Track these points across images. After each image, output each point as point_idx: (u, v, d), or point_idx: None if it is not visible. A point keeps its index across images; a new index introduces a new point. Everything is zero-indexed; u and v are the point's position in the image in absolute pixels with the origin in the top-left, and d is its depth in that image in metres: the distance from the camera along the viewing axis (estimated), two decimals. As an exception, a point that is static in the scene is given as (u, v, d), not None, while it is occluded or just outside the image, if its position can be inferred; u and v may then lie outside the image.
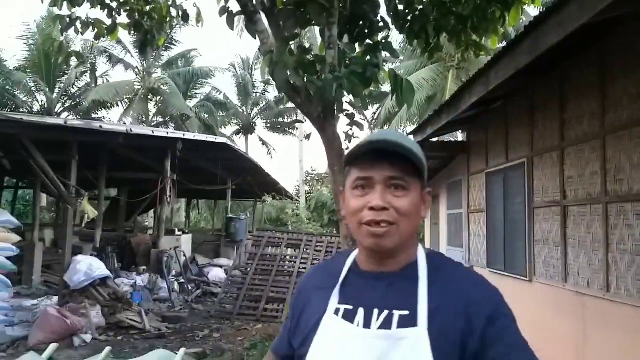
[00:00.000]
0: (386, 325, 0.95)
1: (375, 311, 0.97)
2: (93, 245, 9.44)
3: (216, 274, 11.17)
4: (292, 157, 53.06)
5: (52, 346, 2.45)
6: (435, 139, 7.30)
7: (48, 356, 2.30)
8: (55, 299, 6.73)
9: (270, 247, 9.24)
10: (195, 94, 24.12)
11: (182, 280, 9.97)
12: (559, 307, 4.45)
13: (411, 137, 6.08)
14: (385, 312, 0.96)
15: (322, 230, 14.39)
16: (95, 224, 9.77)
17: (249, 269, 8.80)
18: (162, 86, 21.17)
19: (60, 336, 5.72)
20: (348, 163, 1.04)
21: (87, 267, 6.66)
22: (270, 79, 3.27)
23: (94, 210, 6.82)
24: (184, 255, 10.65)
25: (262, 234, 9.79)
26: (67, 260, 6.94)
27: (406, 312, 0.95)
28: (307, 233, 10.40)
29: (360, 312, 0.99)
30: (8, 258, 6.41)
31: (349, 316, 1.00)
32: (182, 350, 2.46)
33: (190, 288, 9.91)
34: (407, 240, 1.01)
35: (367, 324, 0.97)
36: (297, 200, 19.86)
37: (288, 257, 9.08)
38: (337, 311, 1.02)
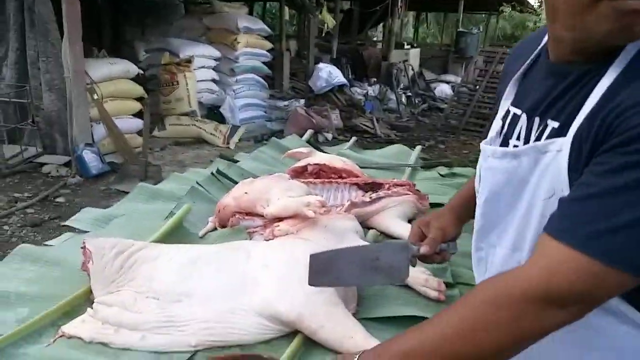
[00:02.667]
0: (538, 139, 0.76)
1: (536, 120, 0.77)
2: (330, 56, 10.09)
3: (442, 89, 11.04)
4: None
5: (309, 132, 2.85)
6: None
7: (307, 139, 2.69)
8: (302, 101, 7.65)
9: (502, 65, 8.57)
10: None
11: (410, 94, 10.18)
12: None
13: None
14: (543, 124, 0.76)
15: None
16: (332, 36, 10.29)
17: (477, 86, 8.44)
18: None
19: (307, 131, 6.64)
20: None
21: (327, 74, 7.26)
22: None
23: (332, 19, 7.14)
24: (412, 69, 10.68)
25: (496, 50, 9.03)
26: (310, 67, 7.64)
27: (557, 124, 0.73)
28: (550, 50, 9.21)
29: (523, 119, 0.80)
30: (263, 63, 7.37)
31: (513, 124, 0.82)
32: (418, 147, 2.61)
33: (417, 101, 10.11)
34: None
35: (527, 137, 0.78)
36: (539, 11, 17.35)
37: (524, 76, 8.35)
38: (506, 115, 0.85)
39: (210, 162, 2.35)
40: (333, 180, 1.76)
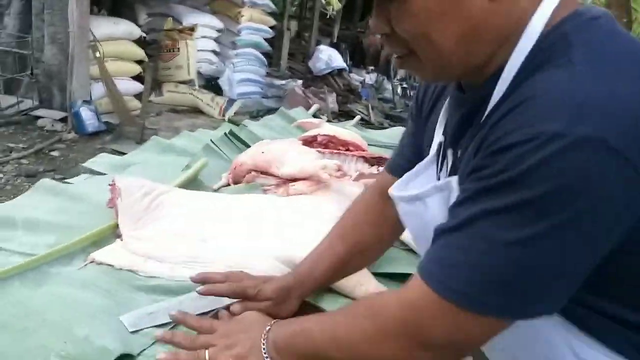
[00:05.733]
0: (452, 172, 0.71)
1: (450, 153, 0.73)
2: (330, 40, 10.11)
3: (438, 85, 11.17)
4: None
5: (315, 106, 2.92)
6: None
7: (312, 113, 2.76)
8: (300, 82, 7.67)
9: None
10: None
11: (405, 86, 10.28)
12: None
13: None
14: (457, 155, 0.71)
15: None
16: (333, 20, 10.29)
17: (474, 85, 8.57)
18: None
19: (302, 113, 6.69)
20: None
21: (328, 57, 7.31)
22: None
23: (337, 3, 7.16)
24: (410, 62, 10.76)
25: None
26: (311, 48, 7.66)
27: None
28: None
29: (449, 152, 0.73)
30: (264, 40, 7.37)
31: (443, 156, 0.75)
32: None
33: (411, 94, 10.21)
34: (459, 58, 0.60)
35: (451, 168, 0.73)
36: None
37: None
38: (440, 143, 0.76)
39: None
40: (341, 152, 1.83)
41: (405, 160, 0.88)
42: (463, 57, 0.60)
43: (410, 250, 1.27)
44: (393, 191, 0.78)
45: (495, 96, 0.59)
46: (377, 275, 1.16)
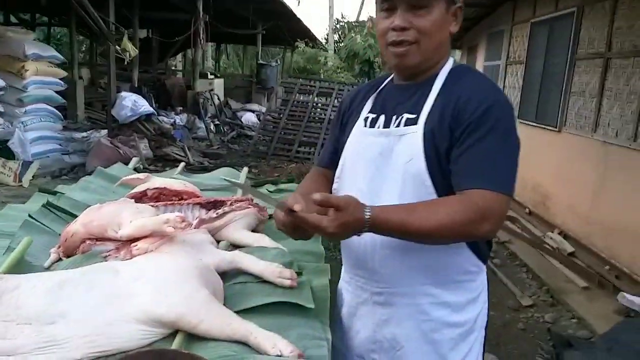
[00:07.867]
0: (397, 126, 1.17)
1: (393, 117, 1.18)
2: (130, 85, 9.74)
3: (248, 118, 11.56)
4: (320, 4, 50.26)
5: (135, 160, 2.83)
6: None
7: (133, 166, 2.68)
8: (103, 132, 7.22)
9: (302, 95, 9.41)
10: None
11: (217, 122, 10.41)
12: (583, 155, 4.69)
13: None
14: (400, 117, 1.17)
15: (353, 80, 14.29)
16: (131, 64, 9.94)
17: (281, 114, 9.10)
18: None
19: (113, 163, 6.29)
20: None
21: (132, 103, 7.04)
22: None
23: (134, 49, 6.96)
24: (218, 98, 10.95)
25: (295, 81, 9.90)
26: (112, 96, 7.29)
27: (413, 116, 1.14)
28: (339, 82, 10.45)
29: (382, 118, 1.21)
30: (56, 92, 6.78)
31: (373, 123, 1.22)
32: (245, 169, 2.82)
33: (225, 129, 10.38)
34: (432, 56, 1.15)
35: (386, 127, 1.19)
36: (325, 50, 19.37)
37: (320, 105, 9.29)
38: (365, 119, 1.24)
39: (2, 204, 2.18)
40: (175, 202, 1.84)
41: (331, 155, 1.34)
42: (436, 54, 1.16)
43: (264, 282, 1.37)
44: (366, 129, 1.23)
45: (437, 85, 1.15)
46: (239, 312, 1.23)
